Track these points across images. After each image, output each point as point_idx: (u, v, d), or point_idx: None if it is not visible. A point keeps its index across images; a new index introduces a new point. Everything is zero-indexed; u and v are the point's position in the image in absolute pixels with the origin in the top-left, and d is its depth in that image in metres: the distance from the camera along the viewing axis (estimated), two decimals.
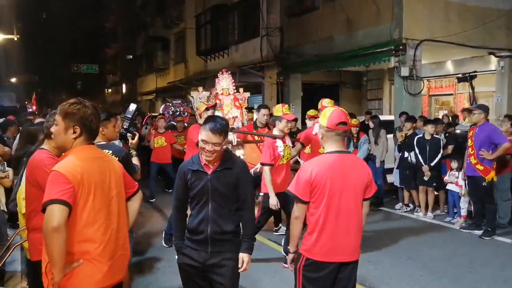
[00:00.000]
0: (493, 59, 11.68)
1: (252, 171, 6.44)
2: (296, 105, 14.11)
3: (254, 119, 7.22)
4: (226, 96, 8.25)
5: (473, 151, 6.68)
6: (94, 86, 47.14)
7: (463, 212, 7.35)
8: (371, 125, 9.16)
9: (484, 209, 6.82)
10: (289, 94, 14.46)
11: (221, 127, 2.95)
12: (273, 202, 5.16)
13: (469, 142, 6.79)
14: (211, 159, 2.96)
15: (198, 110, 6.22)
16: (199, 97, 8.69)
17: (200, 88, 8.68)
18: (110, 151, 3.67)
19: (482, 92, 12.36)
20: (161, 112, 16.84)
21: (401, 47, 10.20)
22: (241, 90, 8.52)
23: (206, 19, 19.50)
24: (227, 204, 3.03)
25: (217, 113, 8.06)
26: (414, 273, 5.26)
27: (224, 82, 8.26)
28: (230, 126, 7.65)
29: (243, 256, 3.04)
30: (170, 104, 18.50)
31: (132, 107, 5.27)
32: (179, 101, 19.19)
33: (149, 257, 5.80)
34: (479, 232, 6.76)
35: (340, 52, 12.00)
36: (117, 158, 3.60)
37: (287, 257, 3.13)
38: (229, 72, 8.35)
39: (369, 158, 8.24)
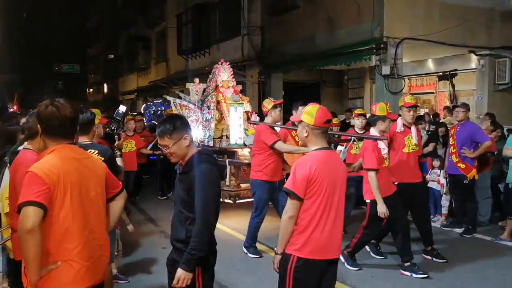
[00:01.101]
0: (474, 58, 11.73)
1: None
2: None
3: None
4: (227, 89, 7.96)
5: (454, 150, 6.67)
6: (76, 86, 46.62)
7: (444, 210, 7.34)
8: (353, 122, 9.09)
9: (465, 207, 6.81)
10: (270, 93, 14.34)
11: (163, 129, 2.83)
12: (382, 209, 4.80)
13: (451, 141, 6.78)
14: (174, 161, 2.95)
15: (264, 107, 5.77)
16: (195, 90, 8.30)
17: (197, 80, 8.30)
18: (96, 151, 3.71)
19: (462, 91, 12.42)
20: (142, 111, 16.66)
21: (382, 45, 10.18)
22: (234, 82, 8.18)
23: (187, 18, 19.39)
24: (184, 210, 2.84)
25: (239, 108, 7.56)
26: (396, 271, 5.20)
27: (224, 73, 7.93)
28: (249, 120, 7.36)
29: (177, 271, 2.73)
30: (151, 104, 18.33)
31: (122, 109, 5.20)
32: (160, 100, 19.03)
33: (136, 258, 5.69)
34: (460, 230, 6.76)
35: (321, 51, 11.95)
36: (102, 158, 3.66)
37: (276, 256, 3.00)
38: (228, 63, 8.01)
39: None
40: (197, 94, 8.27)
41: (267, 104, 5.75)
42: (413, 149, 5.37)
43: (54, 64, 38.27)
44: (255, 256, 5.75)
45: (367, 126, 6.53)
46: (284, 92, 14.67)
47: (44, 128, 2.44)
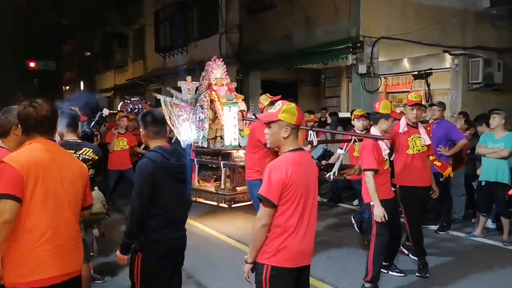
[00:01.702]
0: (448, 57, 11.91)
1: (330, 175, 5.78)
2: (255, 103, 14.01)
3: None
4: (220, 86, 7.61)
5: None
6: (51, 83, 45.78)
7: None
8: (329, 120, 9.18)
9: (440, 205, 6.90)
10: (248, 92, 14.36)
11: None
12: (379, 213, 4.39)
13: None
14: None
15: (260, 104, 5.53)
16: (187, 88, 7.92)
17: (189, 78, 7.90)
18: (91, 150, 3.92)
19: (437, 89, 12.59)
20: (119, 109, 16.47)
21: (358, 44, 10.27)
22: (228, 80, 7.87)
23: (165, 16, 19.22)
24: None
25: (230, 107, 7.20)
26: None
27: (218, 71, 7.56)
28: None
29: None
30: (128, 102, 18.12)
31: (105, 112, 5.15)
32: (137, 98, 18.84)
33: (113, 258, 5.53)
34: (435, 227, 6.84)
35: (298, 49, 12.00)
36: (97, 157, 3.89)
37: (246, 265, 2.79)
38: (221, 59, 7.72)
39: (326, 155, 8.23)
40: (189, 93, 7.84)
41: (264, 100, 5.50)
42: (419, 150, 5.00)
43: (29, 61, 37.45)
44: None
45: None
46: (262, 91, 14.66)
47: (23, 127, 2.62)
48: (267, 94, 5.69)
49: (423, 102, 12.08)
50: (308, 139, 5.58)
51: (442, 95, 12.43)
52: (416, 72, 12.39)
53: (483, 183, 6.31)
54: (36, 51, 41.46)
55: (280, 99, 5.30)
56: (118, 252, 3.14)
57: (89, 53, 32.91)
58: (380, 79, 11.03)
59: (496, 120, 6.23)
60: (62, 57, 42.44)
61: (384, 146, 4.60)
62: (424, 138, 5.03)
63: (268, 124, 2.80)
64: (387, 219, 4.40)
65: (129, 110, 16.28)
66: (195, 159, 7.56)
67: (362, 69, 10.27)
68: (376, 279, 4.54)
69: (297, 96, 16.17)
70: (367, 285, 4.53)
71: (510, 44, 11.81)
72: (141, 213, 2.99)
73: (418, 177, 5.02)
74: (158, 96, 8.10)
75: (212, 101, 7.54)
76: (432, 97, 11.97)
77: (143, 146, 8.53)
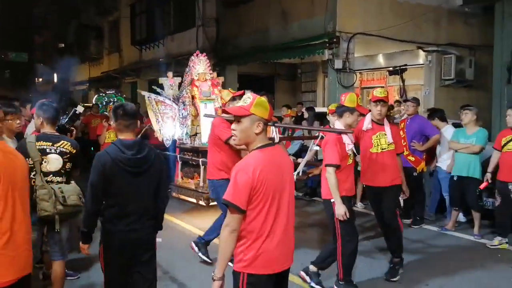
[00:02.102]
0: (422, 54, 12.10)
1: (295, 174, 5.33)
2: None
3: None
4: (203, 82, 7.35)
5: (405, 143, 6.83)
6: (24, 75, 44.71)
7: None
8: (306, 115, 9.23)
9: (413, 199, 7.01)
10: (225, 85, 14.22)
11: None
12: (341, 210, 4.18)
13: (401, 134, 6.94)
14: None
15: (222, 99, 5.30)
16: (170, 84, 7.71)
17: (170, 74, 7.70)
18: (69, 143, 3.92)
19: (411, 85, 12.79)
20: (94, 102, 16.23)
21: (335, 39, 10.32)
22: (214, 74, 7.62)
23: (141, 8, 18.99)
24: None
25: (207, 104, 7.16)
26: (370, 257, 5.36)
27: (200, 66, 7.35)
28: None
29: None
30: (104, 94, 17.88)
31: (80, 109, 5.07)
32: (113, 91, 18.59)
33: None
34: (409, 221, 6.96)
35: (275, 44, 12.01)
36: (74, 150, 3.91)
37: (215, 283, 2.54)
38: (205, 54, 7.53)
39: (303, 150, 8.28)
40: (171, 89, 7.64)
41: (226, 96, 5.32)
42: (383, 149, 4.83)
43: (0, 52, 36.53)
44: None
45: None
46: (238, 85, 14.64)
47: None
48: (229, 89, 5.54)
49: (397, 98, 12.34)
50: (270, 135, 5.22)
51: (415, 91, 12.65)
52: (391, 68, 12.57)
53: (455, 178, 6.43)
54: (8, 42, 40.45)
55: (243, 94, 5.17)
56: (80, 242, 3.30)
57: (63, 45, 32.25)
58: (356, 74, 11.13)
59: (468, 116, 6.36)
60: (35, 49, 41.50)
61: (348, 141, 4.38)
62: (388, 136, 4.83)
63: (238, 119, 2.57)
64: (348, 217, 4.22)
65: (104, 103, 16.10)
66: (178, 156, 7.51)
67: (338, 64, 10.34)
68: (348, 276, 4.45)
69: (274, 90, 16.20)
70: (340, 283, 4.44)
71: (482, 42, 12.04)
72: (93, 202, 3.14)
73: (380, 177, 4.84)
74: (143, 93, 7.92)
75: (193, 97, 7.40)
76: (406, 92, 12.16)
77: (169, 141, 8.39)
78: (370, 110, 4.97)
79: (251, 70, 15.31)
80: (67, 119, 4.87)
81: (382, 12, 10.91)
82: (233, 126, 2.61)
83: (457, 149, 6.39)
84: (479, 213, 6.34)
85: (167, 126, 7.56)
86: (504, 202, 5.76)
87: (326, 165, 4.29)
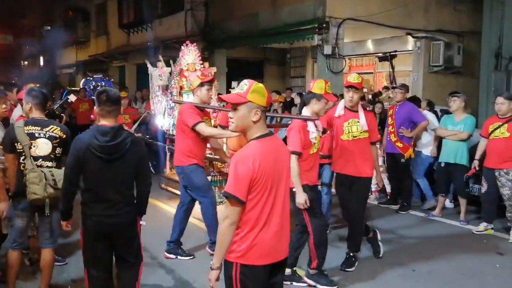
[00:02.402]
0: (411, 40, 12.10)
1: None
2: (221, 81, 13.90)
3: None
4: (193, 72, 7.06)
5: (393, 129, 6.87)
6: (9, 58, 44.01)
7: (374, 187, 7.60)
8: (297, 100, 9.23)
9: (401, 185, 7.07)
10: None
11: None
12: (301, 199, 4.03)
13: (389, 120, 6.98)
14: None
15: (191, 86, 5.14)
16: (158, 75, 7.63)
17: (161, 64, 7.69)
18: (58, 128, 3.90)
19: (399, 71, 12.81)
20: (81, 86, 16.07)
21: (324, 25, 10.29)
22: (206, 64, 7.47)
23: None
24: None
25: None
26: (332, 248, 5.28)
27: (190, 56, 7.19)
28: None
29: None
30: (91, 78, 17.70)
31: (72, 98, 5.05)
32: (100, 76, 18.42)
33: (73, 239, 5.43)
34: (396, 207, 7.03)
35: (264, 28, 11.94)
36: (64, 135, 3.87)
37: (212, 272, 2.50)
38: (195, 44, 7.45)
39: None
40: (161, 79, 7.59)
41: (194, 81, 5.08)
42: (355, 137, 4.68)
43: None
44: None
45: None
46: (227, 69, 14.59)
47: None
48: (198, 75, 5.36)
49: (386, 84, 12.37)
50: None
51: (404, 77, 12.68)
52: (381, 54, 12.56)
53: (442, 165, 6.49)
54: None
55: (212, 80, 5.18)
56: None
57: (49, 28, 31.73)
58: (345, 60, 11.12)
59: (456, 102, 6.39)
60: (21, 31, 40.79)
61: (312, 129, 4.15)
62: (362, 124, 4.67)
63: (234, 106, 2.47)
64: (309, 205, 4.07)
65: (91, 87, 15.95)
66: (167, 147, 7.51)
67: (328, 49, 10.32)
68: (321, 266, 4.37)
69: (263, 75, 16.17)
70: (311, 271, 4.35)
71: (470, 28, 12.08)
72: (68, 184, 3.26)
73: (350, 165, 4.69)
74: (149, 65, 7.85)
75: (182, 88, 7.27)
76: (395, 79, 12.19)
77: (134, 126, 8.35)
78: (339, 97, 4.78)
79: (240, 55, 15.24)
80: (57, 106, 4.83)
81: None
82: (230, 114, 2.51)
83: (445, 136, 6.43)
84: (465, 200, 6.41)
85: (157, 110, 7.55)
86: (490, 189, 5.81)
87: (292, 152, 4.02)
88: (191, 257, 5.07)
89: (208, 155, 5.72)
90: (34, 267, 4.52)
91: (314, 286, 4.36)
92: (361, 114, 4.71)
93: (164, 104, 7.49)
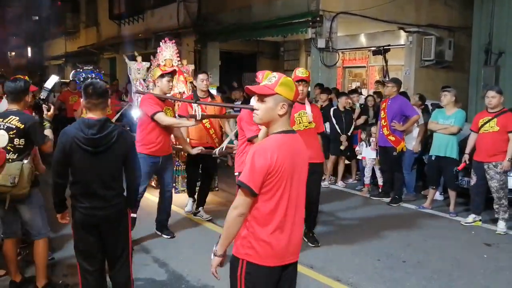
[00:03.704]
0: (403, 34, 12.22)
1: (216, 151, 5.59)
2: (214, 74, 13.89)
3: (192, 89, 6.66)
4: (170, 68, 7.46)
5: (385, 123, 6.96)
6: None
7: (367, 180, 7.73)
8: None
9: (393, 178, 7.19)
10: (206, 63, 14.24)
11: None
12: None
13: (382, 114, 7.07)
14: None
15: (152, 76, 5.43)
16: (137, 68, 7.80)
17: (139, 58, 7.87)
18: (17, 118, 3.72)
19: (392, 65, 12.93)
20: (71, 78, 15.93)
21: (318, 18, 10.34)
22: (184, 61, 7.76)
23: None
24: None
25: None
26: (329, 240, 5.41)
27: (167, 52, 7.42)
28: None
29: None
30: (81, 70, 17.54)
31: (53, 79, 4.93)
32: (91, 67, 18.26)
33: (61, 233, 5.42)
34: (388, 200, 7.15)
35: (258, 21, 11.94)
36: (22, 126, 3.69)
37: (215, 258, 2.49)
38: (173, 41, 7.62)
39: None
40: (139, 73, 7.72)
41: (156, 72, 5.32)
42: (306, 127, 5.00)
43: None
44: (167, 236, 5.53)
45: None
46: (220, 62, 14.58)
47: None
48: (160, 66, 5.64)
49: (378, 78, 12.47)
50: (192, 113, 5.39)
51: (396, 71, 12.81)
52: (374, 48, 12.65)
53: (433, 158, 6.60)
54: None
55: (172, 72, 5.42)
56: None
57: (37, 18, 31.35)
58: (338, 53, 11.19)
59: (447, 97, 6.49)
60: (8, 21, 40.23)
61: None
62: (309, 115, 5.00)
63: (261, 98, 2.40)
64: None
65: (81, 79, 15.82)
66: None
67: (321, 43, 10.37)
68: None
69: (256, 68, 16.16)
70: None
71: (461, 23, 12.23)
72: (56, 176, 3.25)
73: None
74: (127, 60, 7.95)
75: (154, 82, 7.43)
76: (388, 73, 12.30)
77: (116, 116, 8.38)
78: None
79: (233, 48, 15.22)
80: (42, 90, 4.71)
81: None
82: (256, 105, 2.44)
83: (436, 130, 6.54)
84: (455, 192, 6.54)
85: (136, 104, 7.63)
86: (479, 181, 5.94)
87: (251, 139, 4.45)
88: (173, 236, 5.45)
89: (173, 146, 5.86)
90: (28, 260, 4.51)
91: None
92: (307, 106, 5.07)
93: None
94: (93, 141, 3.12)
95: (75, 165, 3.18)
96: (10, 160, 3.70)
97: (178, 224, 5.94)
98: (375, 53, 12.60)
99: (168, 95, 5.49)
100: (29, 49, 35.17)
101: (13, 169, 3.66)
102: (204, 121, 5.75)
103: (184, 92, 7.21)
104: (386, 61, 12.30)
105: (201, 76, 5.98)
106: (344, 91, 11.61)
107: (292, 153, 2.42)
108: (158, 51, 7.42)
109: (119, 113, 8.20)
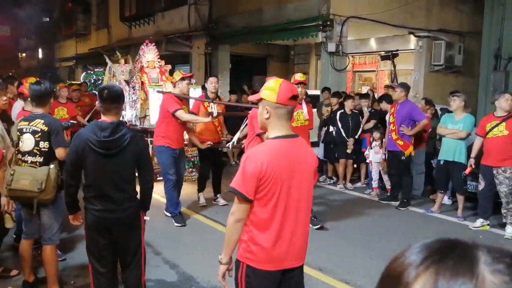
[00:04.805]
0: (413, 39, 12.24)
1: (229, 144, 6.43)
2: (224, 77, 14.01)
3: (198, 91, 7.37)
4: (152, 69, 8.11)
5: (394, 127, 7.01)
6: (7, 50, 43.76)
7: (375, 184, 7.78)
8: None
9: (401, 182, 7.22)
10: (217, 66, 14.31)
11: None
12: None
13: (391, 119, 7.12)
14: None
15: (173, 79, 6.24)
16: (121, 70, 8.31)
17: (122, 61, 8.34)
18: (42, 121, 3.76)
19: (401, 70, 12.95)
20: (82, 80, 16.06)
21: (328, 22, 10.38)
22: (162, 62, 8.33)
23: None
24: None
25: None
26: (338, 243, 5.51)
27: (150, 54, 8.09)
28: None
29: None
30: (92, 72, 17.67)
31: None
32: (102, 70, 18.36)
33: (72, 234, 5.56)
34: (396, 203, 7.19)
35: (268, 25, 12.00)
36: (47, 128, 3.73)
37: (220, 267, 2.52)
38: (154, 44, 8.06)
39: None
40: (123, 74, 8.48)
41: (176, 76, 6.13)
42: (302, 123, 5.67)
43: None
44: (179, 224, 5.96)
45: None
46: (231, 65, 14.64)
47: None
48: (180, 70, 6.49)
49: (387, 82, 12.49)
50: (209, 111, 6.41)
51: (405, 76, 12.82)
52: (383, 53, 12.67)
53: (441, 162, 6.63)
54: None
55: (191, 76, 6.33)
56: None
57: (48, 19, 31.59)
58: (349, 57, 11.24)
59: (456, 102, 6.53)
60: (19, 22, 40.55)
61: None
62: (305, 113, 5.72)
63: (256, 104, 2.58)
64: None
65: (92, 81, 15.94)
66: None
67: (331, 47, 10.41)
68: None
69: (266, 71, 16.22)
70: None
71: (471, 29, 12.23)
72: (69, 178, 3.32)
73: None
74: (108, 61, 8.47)
75: (143, 83, 8.19)
76: (397, 77, 12.32)
77: (88, 117, 8.93)
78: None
79: (243, 51, 15.26)
80: None
81: None
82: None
83: (445, 135, 6.58)
84: (463, 196, 6.57)
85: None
86: (487, 186, 5.96)
87: (258, 135, 4.94)
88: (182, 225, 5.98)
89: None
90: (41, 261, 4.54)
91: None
92: (304, 105, 5.77)
93: (127, 98, 8.13)
94: (106, 143, 3.16)
95: (88, 167, 3.22)
96: (37, 163, 3.74)
97: (189, 226, 6.03)
98: (383, 58, 12.64)
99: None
100: (40, 51, 35.40)
101: (40, 174, 3.69)
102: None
103: (171, 92, 7.67)
104: (394, 66, 12.33)
105: (211, 79, 6.71)
106: (353, 94, 11.62)
107: (290, 158, 2.40)
108: (140, 53, 7.95)
109: (89, 114, 8.70)
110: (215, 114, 6.27)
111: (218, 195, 6.95)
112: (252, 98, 2.61)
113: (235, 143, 6.29)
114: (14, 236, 4.90)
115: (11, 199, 3.76)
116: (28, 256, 4.08)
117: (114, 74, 8.62)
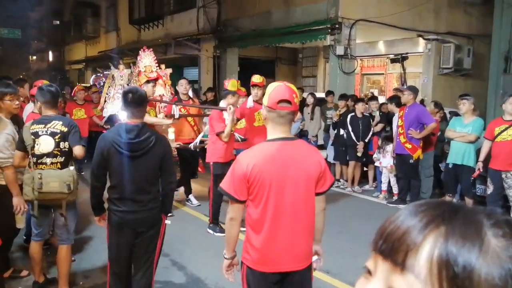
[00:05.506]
0: (421, 42, 12.20)
1: (192, 145, 6.64)
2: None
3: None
4: (150, 73, 8.26)
5: (402, 130, 7.01)
6: (17, 53, 44.19)
7: (384, 187, 7.76)
8: (309, 101, 9.39)
9: (409, 185, 7.21)
10: (225, 68, 14.35)
11: None
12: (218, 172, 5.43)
13: (399, 122, 7.11)
14: None
15: (138, 82, 6.32)
16: (120, 75, 8.47)
17: (121, 66, 8.48)
18: (60, 122, 3.85)
19: (410, 73, 12.91)
20: (91, 83, 16.19)
21: (337, 25, 10.38)
22: (162, 66, 8.43)
23: None
24: None
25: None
26: (345, 246, 5.50)
27: (147, 59, 8.22)
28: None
29: None
30: (101, 75, 17.78)
31: None
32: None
33: (82, 235, 5.59)
34: (404, 206, 7.15)
35: (277, 28, 12.02)
36: (66, 129, 3.83)
37: (224, 261, 2.62)
38: (151, 49, 8.20)
39: (302, 134, 8.45)
40: (122, 79, 8.56)
41: (142, 79, 6.33)
42: (263, 123, 5.83)
43: None
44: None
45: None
46: (239, 68, 14.67)
47: None
48: (145, 73, 6.63)
49: (396, 85, 12.47)
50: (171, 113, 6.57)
51: (414, 79, 12.78)
52: (392, 56, 12.65)
53: (450, 165, 6.61)
54: (1, 17, 39.86)
55: (157, 78, 6.56)
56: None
57: (58, 22, 31.86)
58: (357, 61, 11.23)
59: (465, 105, 6.51)
60: (29, 25, 40.94)
61: (226, 116, 5.64)
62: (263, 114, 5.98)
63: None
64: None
65: (102, 84, 16.03)
66: None
67: (340, 50, 10.41)
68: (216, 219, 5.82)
69: (274, 74, 16.24)
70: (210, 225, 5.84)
71: (480, 31, 12.17)
72: (94, 179, 3.35)
73: None
74: (113, 72, 8.57)
75: (140, 87, 8.16)
76: (406, 80, 12.29)
77: (105, 118, 8.95)
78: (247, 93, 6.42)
79: (252, 54, 15.29)
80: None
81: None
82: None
83: (453, 138, 6.56)
84: (471, 200, 6.54)
85: (114, 106, 8.02)
86: (496, 190, 5.90)
87: (218, 133, 5.61)
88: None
89: None
90: (51, 261, 4.60)
91: (212, 233, 5.83)
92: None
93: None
94: (130, 145, 3.21)
95: (113, 169, 3.26)
96: (58, 164, 3.80)
97: (196, 228, 6.06)
98: (393, 61, 12.61)
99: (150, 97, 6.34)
100: (50, 53, 35.71)
101: (66, 176, 3.77)
102: (189, 119, 7.00)
103: (163, 95, 7.69)
104: (404, 69, 12.30)
105: (181, 82, 7.14)
106: (362, 97, 11.61)
107: (282, 160, 2.41)
108: (138, 59, 8.10)
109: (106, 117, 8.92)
110: (176, 116, 6.51)
111: (190, 196, 7.21)
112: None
113: (197, 143, 6.61)
114: (24, 237, 4.95)
115: (40, 202, 3.78)
116: (39, 257, 4.12)
117: (114, 78, 8.75)
